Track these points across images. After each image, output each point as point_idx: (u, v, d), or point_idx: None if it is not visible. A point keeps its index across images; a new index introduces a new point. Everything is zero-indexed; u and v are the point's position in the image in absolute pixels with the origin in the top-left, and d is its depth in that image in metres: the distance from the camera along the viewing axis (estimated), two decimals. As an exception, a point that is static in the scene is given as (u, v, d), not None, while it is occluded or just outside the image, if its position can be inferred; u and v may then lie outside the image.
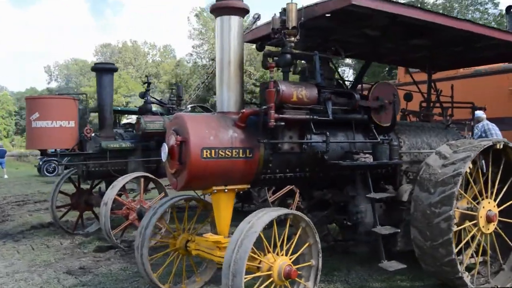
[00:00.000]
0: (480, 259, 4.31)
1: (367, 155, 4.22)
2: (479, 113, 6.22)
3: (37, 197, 12.25)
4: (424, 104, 5.77)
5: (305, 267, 3.85)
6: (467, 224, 4.17)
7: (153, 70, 64.81)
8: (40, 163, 19.15)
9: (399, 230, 4.16)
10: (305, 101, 4.02)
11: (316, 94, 4.09)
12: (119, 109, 11.08)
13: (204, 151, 3.68)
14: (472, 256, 4.28)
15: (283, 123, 3.86)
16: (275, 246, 3.54)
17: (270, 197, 7.31)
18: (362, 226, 4.55)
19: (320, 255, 3.87)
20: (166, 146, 3.84)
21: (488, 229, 4.22)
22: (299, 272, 3.68)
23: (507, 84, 8.12)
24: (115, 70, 7.41)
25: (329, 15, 4.09)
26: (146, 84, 7.47)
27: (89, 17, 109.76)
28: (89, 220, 8.28)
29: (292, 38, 4.02)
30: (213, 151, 3.72)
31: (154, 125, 6.96)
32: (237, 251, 3.32)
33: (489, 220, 4.19)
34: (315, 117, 4.08)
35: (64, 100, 6.77)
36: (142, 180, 6.64)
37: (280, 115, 3.85)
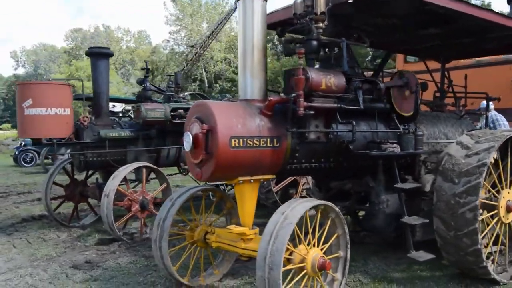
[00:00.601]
0: (497, 248, 4.37)
1: (394, 145, 4.18)
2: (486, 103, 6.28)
3: (19, 189, 11.69)
4: (438, 94, 5.78)
5: (333, 258, 3.79)
6: (490, 213, 4.20)
7: (128, 56, 63.29)
8: (16, 152, 18.30)
9: (428, 220, 4.14)
10: (334, 89, 3.91)
11: (344, 82, 4.00)
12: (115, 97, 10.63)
13: (233, 140, 3.53)
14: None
15: (312, 112, 3.75)
16: (305, 236, 3.46)
17: (273, 187, 7.22)
18: (383, 216, 4.52)
19: (348, 246, 3.82)
20: (190, 135, 3.66)
21: (508, 219, 4.28)
22: (329, 263, 3.62)
23: (509, 75, 8.27)
24: (111, 55, 7.07)
25: (352, 1, 3.98)
26: (144, 70, 7.15)
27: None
28: (82, 212, 7.95)
29: (320, 24, 3.89)
30: (241, 140, 3.58)
31: (155, 113, 6.69)
32: (273, 243, 3.21)
33: (508, 210, 4.24)
34: (343, 106, 3.99)
35: (59, 86, 6.40)
36: (144, 170, 6.41)
37: (309, 104, 3.75)
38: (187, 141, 3.68)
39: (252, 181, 3.83)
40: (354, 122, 4.04)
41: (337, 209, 3.70)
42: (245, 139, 3.59)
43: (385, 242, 5.56)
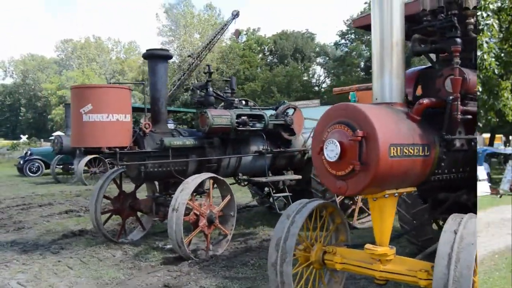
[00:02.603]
0: None
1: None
2: None
3: (37, 200, 10.86)
4: None
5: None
6: None
7: (118, 67, 62.38)
8: (21, 162, 17.35)
9: None
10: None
11: (486, 84, 3.63)
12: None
13: (391, 148, 3.08)
14: None
15: (470, 116, 3.36)
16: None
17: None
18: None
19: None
20: (336, 142, 3.18)
21: None
22: None
23: None
24: (170, 57, 6.55)
25: None
26: (207, 74, 6.63)
27: (44, 10, 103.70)
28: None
29: (471, 20, 3.51)
30: (398, 148, 3.13)
31: (222, 120, 6.16)
32: (455, 267, 2.77)
33: None
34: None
35: (120, 90, 5.84)
36: (211, 181, 5.88)
37: (465, 108, 3.36)
38: (332, 150, 3.20)
39: (396, 194, 3.39)
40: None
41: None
42: (402, 148, 3.15)
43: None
